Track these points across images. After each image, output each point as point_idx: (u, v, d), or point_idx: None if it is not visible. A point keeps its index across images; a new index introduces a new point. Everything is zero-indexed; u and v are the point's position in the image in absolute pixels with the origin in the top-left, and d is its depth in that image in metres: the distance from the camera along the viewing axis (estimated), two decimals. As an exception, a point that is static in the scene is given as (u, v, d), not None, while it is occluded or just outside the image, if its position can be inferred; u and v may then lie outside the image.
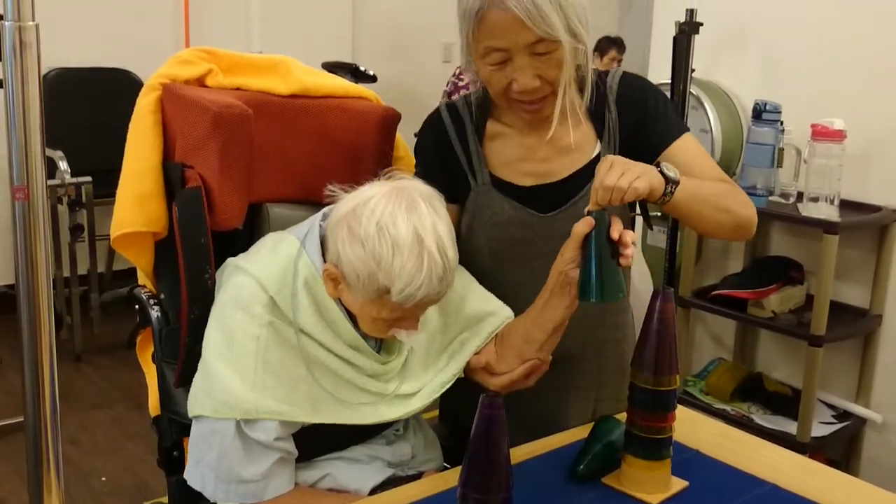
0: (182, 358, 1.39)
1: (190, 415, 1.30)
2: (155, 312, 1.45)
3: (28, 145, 1.15)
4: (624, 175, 1.23)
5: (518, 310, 1.48)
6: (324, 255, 1.29)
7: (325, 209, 1.34)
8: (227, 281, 1.33)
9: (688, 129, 1.50)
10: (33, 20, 1.12)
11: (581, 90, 1.47)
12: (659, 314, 1.25)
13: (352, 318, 1.31)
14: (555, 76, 1.36)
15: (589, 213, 1.27)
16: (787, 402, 2.71)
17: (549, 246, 1.48)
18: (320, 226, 1.32)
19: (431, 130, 1.54)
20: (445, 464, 1.52)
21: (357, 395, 1.34)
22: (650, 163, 1.45)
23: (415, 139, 1.57)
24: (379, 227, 1.20)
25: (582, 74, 1.45)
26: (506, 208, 1.49)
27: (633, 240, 1.25)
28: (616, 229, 1.25)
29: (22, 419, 3.04)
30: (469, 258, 1.51)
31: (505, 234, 1.49)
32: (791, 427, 2.60)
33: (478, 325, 1.46)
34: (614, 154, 1.48)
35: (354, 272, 1.22)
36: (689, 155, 1.46)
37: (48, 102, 1.21)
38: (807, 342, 2.52)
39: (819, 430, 2.61)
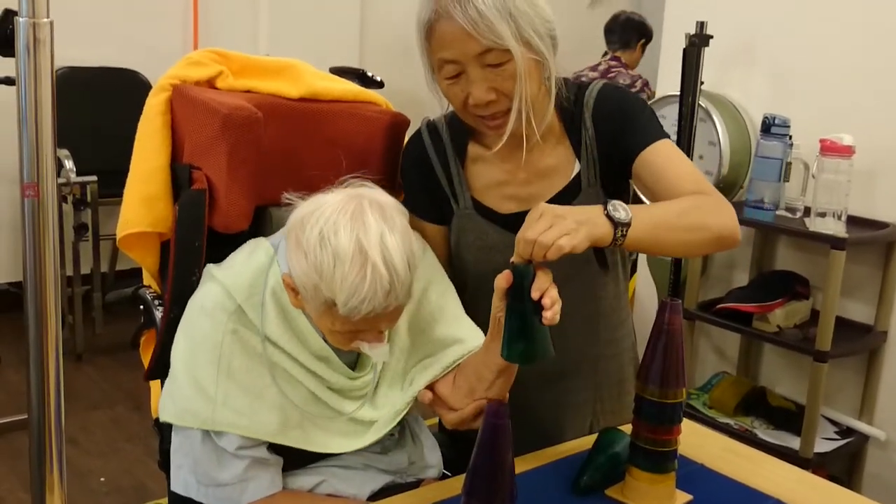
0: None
1: (160, 420, 1.30)
2: (159, 313, 1.45)
3: (39, 143, 1.15)
4: (551, 228, 1.13)
5: None
6: None
7: None
8: (199, 287, 1.33)
9: (666, 136, 1.41)
10: (48, 17, 1.12)
11: (558, 109, 1.43)
12: (666, 326, 1.24)
13: None
14: (511, 88, 1.32)
15: (512, 266, 1.16)
16: (791, 418, 2.70)
17: None
18: None
19: (412, 152, 1.52)
20: (446, 471, 1.51)
21: (321, 409, 1.32)
22: (627, 173, 1.42)
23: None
24: (321, 236, 1.14)
25: (549, 88, 1.39)
26: (489, 232, 1.47)
27: (553, 301, 1.13)
28: (537, 288, 1.13)
29: (20, 418, 3.05)
30: (457, 279, 1.49)
31: (489, 258, 1.46)
32: (794, 442, 2.59)
33: (441, 352, 1.38)
34: (595, 173, 1.44)
35: (302, 284, 1.18)
36: (662, 160, 1.37)
37: (56, 101, 1.20)
38: (811, 357, 2.51)
39: (822, 445, 2.60)
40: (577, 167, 1.46)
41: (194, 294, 1.32)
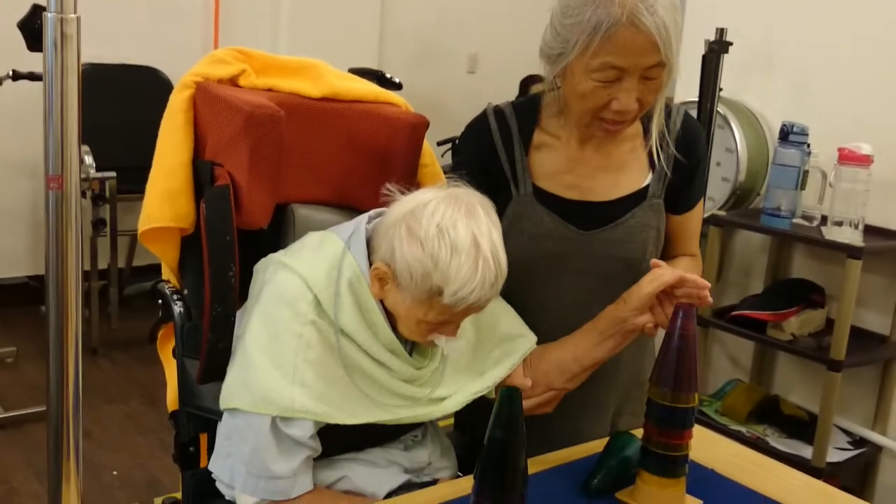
0: (204, 355, 1.40)
1: (223, 407, 1.32)
2: (178, 308, 1.46)
3: (64, 136, 1.17)
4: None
5: (541, 324, 1.48)
6: (369, 256, 1.32)
7: (372, 212, 1.37)
8: (271, 277, 1.35)
9: (702, 195, 1.58)
10: (75, 12, 1.14)
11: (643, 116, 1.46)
12: (680, 331, 1.24)
13: (390, 321, 1.33)
14: (650, 101, 1.38)
15: (501, 390, 1.07)
16: (803, 427, 2.70)
17: (584, 263, 1.48)
18: (366, 228, 1.34)
19: (475, 134, 1.53)
20: (459, 472, 1.52)
21: (392, 398, 1.35)
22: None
23: (438, 147, 1.56)
24: (440, 228, 1.23)
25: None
26: (545, 220, 1.48)
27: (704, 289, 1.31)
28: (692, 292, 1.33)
29: (36, 410, 3.07)
30: None
31: (539, 247, 1.48)
32: (806, 451, 2.58)
33: (510, 345, 1.47)
34: (662, 187, 1.50)
35: (408, 271, 1.24)
36: (690, 223, 1.57)
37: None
38: (825, 366, 2.51)
39: (834, 455, 2.59)
40: (648, 178, 1.50)
41: (269, 284, 1.34)
